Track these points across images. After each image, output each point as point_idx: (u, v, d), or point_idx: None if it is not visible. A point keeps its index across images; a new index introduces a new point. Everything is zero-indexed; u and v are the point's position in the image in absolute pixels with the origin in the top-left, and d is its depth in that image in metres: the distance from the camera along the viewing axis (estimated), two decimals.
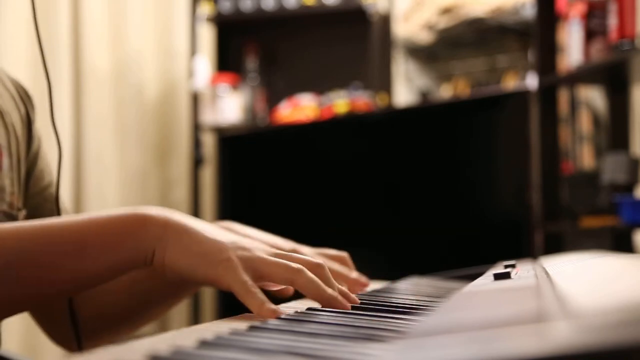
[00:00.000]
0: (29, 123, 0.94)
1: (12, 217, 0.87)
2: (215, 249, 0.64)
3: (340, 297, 0.64)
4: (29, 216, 0.92)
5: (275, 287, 0.69)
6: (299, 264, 0.65)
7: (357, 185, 1.65)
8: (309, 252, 0.90)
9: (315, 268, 0.66)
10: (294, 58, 3.52)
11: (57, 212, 0.89)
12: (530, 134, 1.55)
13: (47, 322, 0.97)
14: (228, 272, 0.62)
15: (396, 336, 0.48)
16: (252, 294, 0.61)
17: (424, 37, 3.32)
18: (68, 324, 0.87)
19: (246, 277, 0.62)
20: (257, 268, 0.64)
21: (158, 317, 0.96)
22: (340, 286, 0.67)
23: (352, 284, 0.86)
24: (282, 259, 0.66)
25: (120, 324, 0.96)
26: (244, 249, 0.65)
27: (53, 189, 0.96)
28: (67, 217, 0.68)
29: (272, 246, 0.81)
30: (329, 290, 0.64)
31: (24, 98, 0.95)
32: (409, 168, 1.60)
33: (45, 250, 0.65)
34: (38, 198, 0.94)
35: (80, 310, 0.88)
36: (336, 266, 0.88)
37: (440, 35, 3.29)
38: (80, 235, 0.66)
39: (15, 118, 0.91)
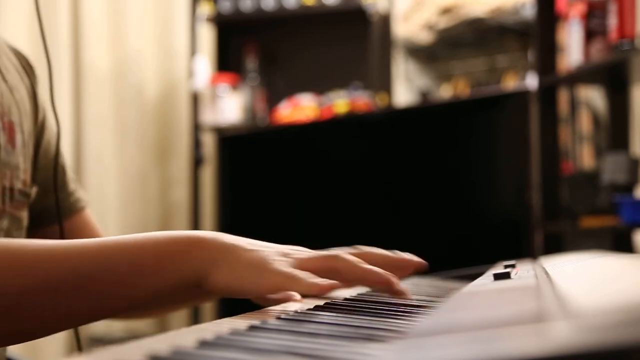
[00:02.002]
0: (34, 94, 0.94)
1: (26, 195, 0.88)
2: (259, 260, 0.66)
3: (380, 270, 0.64)
4: (40, 190, 0.92)
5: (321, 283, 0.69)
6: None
7: (357, 186, 1.65)
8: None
9: (356, 253, 0.68)
10: (294, 58, 3.52)
11: (55, 190, 0.91)
12: (530, 134, 1.55)
13: None
14: (272, 275, 0.64)
15: (396, 336, 0.48)
16: (294, 276, 0.63)
17: (424, 37, 3.32)
18: None
19: (285, 268, 0.64)
20: (301, 268, 0.65)
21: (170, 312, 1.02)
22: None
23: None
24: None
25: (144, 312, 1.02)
26: (285, 254, 0.67)
27: (62, 160, 0.96)
28: (124, 237, 0.68)
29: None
30: (367, 266, 0.64)
31: (27, 69, 0.96)
32: (409, 168, 1.60)
33: (102, 269, 0.66)
34: (49, 168, 0.94)
35: None
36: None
37: (440, 35, 3.29)
38: (136, 255, 0.67)
39: (22, 92, 0.91)
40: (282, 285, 0.64)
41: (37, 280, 0.64)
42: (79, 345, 0.95)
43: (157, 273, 0.66)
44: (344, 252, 0.67)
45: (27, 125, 0.91)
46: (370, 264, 0.68)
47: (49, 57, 0.90)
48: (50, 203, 0.93)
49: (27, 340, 0.71)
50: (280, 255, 0.66)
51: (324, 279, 0.62)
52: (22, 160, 0.88)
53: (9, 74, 0.90)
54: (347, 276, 0.65)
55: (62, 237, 0.90)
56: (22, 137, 0.88)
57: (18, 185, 0.87)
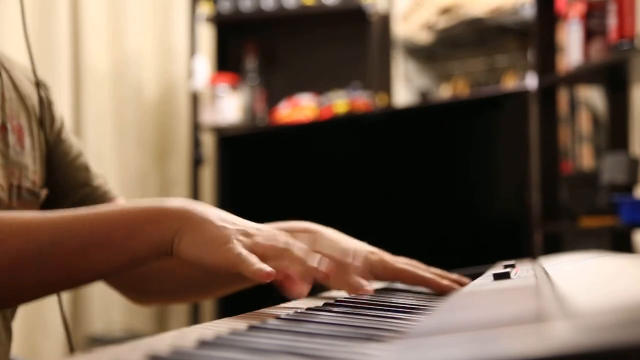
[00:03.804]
0: (49, 104, 1.00)
1: (35, 195, 0.93)
2: (220, 235, 0.69)
3: (322, 269, 0.69)
4: (60, 191, 0.98)
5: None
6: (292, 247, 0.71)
7: (357, 185, 1.65)
8: (394, 261, 0.94)
9: (309, 238, 0.74)
10: (293, 58, 3.52)
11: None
12: (530, 134, 1.55)
13: (119, 285, 1.04)
14: (228, 252, 0.68)
15: (396, 336, 0.48)
16: (246, 260, 0.66)
17: (424, 37, 3.32)
18: (138, 286, 1.00)
19: (241, 250, 0.68)
20: (253, 250, 0.69)
21: (225, 294, 1.05)
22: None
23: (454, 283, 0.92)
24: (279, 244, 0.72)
25: (188, 294, 1.08)
26: (246, 234, 0.71)
27: (83, 159, 1.02)
28: (95, 209, 0.72)
29: (349, 250, 0.89)
30: (312, 263, 0.69)
31: (41, 84, 1.01)
32: (408, 168, 1.60)
33: (74, 241, 0.70)
34: (70, 169, 1.00)
35: (158, 279, 0.99)
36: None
37: (439, 35, 3.29)
38: (106, 226, 0.70)
39: (35, 101, 0.97)
40: (234, 265, 0.67)
41: (12, 250, 0.68)
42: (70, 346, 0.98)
43: (124, 243, 0.70)
44: (298, 244, 0.71)
45: (38, 130, 0.96)
46: (319, 249, 0.74)
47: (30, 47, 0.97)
48: (72, 202, 0.98)
49: None
50: (242, 234, 0.70)
51: (270, 269, 0.66)
52: (31, 161, 0.93)
53: (22, 84, 0.96)
54: (291, 268, 0.70)
55: None
56: (32, 141, 0.94)
57: (27, 184, 0.91)
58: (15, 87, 0.95)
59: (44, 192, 0.96)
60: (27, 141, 0.93)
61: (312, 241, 0.73)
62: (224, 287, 1.02)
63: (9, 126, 0.90)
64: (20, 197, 0.91)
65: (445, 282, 0.89)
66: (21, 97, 0.94)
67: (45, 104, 0.99)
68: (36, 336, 2.79)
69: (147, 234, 0.70)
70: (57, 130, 1.00)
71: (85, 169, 1.02)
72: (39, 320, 2.80)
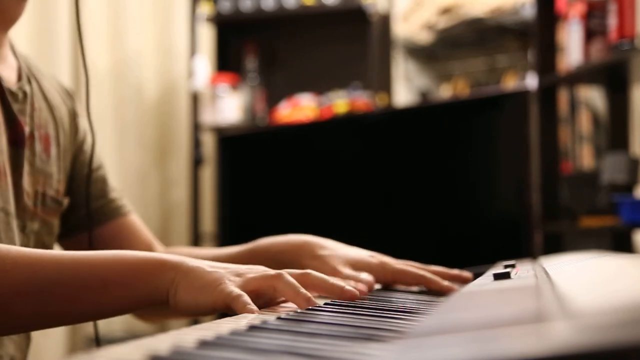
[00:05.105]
0: (74, 116, 1.03)
1: (58, 203, 0.97)
2: (212, 280, 0.71)
3: (305, 297, 0.69)
4: (79, 199, 1.01)
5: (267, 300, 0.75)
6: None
7: (357, 185, 1.65)
8: (394, 263, 0.96)
9: (299, 275, 0.74)
10: (293, 58, 3.52)
11: (87, 196, 1.01)
12: (530, 134, 1.55)
13: None
14: (221, 293, 0.69)
15: (396, 336, 0.48)
16: (236, 297, 0.68)
17: (424, 37, 3.32)
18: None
19: (233, 288, 0.69)
20: (246, 287, 0.71)
21: None
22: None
23: (455, 278, 0.95)
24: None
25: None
26: (237, 274, 0.73)
27: (102, 172, 1.06)
28: (98, 253, 0.75)
29: (353, 259, 0.92)
30: (302, 290, 0.70)
31: (68, 94, 1.05)
32: (408, 168, 1.60)
33: (74, 281, 0.73)
34: (85, 182, 1.02)
35: None
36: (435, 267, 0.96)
37: (439, 35, 3.29)
38: (105, 272, 0.73)
39: (63, 112, 1.00)
40: (226, 304, 0.69)
41: (14, 283, 0.71)
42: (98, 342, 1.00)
43: (121, 290, 0.73)
44: (288, 274, 0.72)
45: (64, 140, 0.99)
46: (310, 287, 0.74)
47: (88, 77, 0.99)
48: (86, 213, 1.02)
49: None
50: (234, 275, 0.72)
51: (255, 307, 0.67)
52: (56, 170, 0.96)
53: (50, 95, 0.99)
54: (282, 295, 0.71)
55: (90, 242, 0.99)
56: (58, 150, 0.97)
57: (51, 192, 0.94)
58: (45, 97, 0.98)
59: (66, 201, 0.99)
60: (53, 150, 0.96)
61: (302, 279, 0.73)
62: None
63: (36, 134, 0.93)
64: (44, 205, 0.94)
65: (445, 283, 0.91)
66: (50, 107, 0.97)
67: (72, 116, 1.03)
68: (36, 336, 2.79)
69: (142, 284, 0.73)
70: (79, 141, 1.03)
71: (102, 181, 1.05)
72: None
